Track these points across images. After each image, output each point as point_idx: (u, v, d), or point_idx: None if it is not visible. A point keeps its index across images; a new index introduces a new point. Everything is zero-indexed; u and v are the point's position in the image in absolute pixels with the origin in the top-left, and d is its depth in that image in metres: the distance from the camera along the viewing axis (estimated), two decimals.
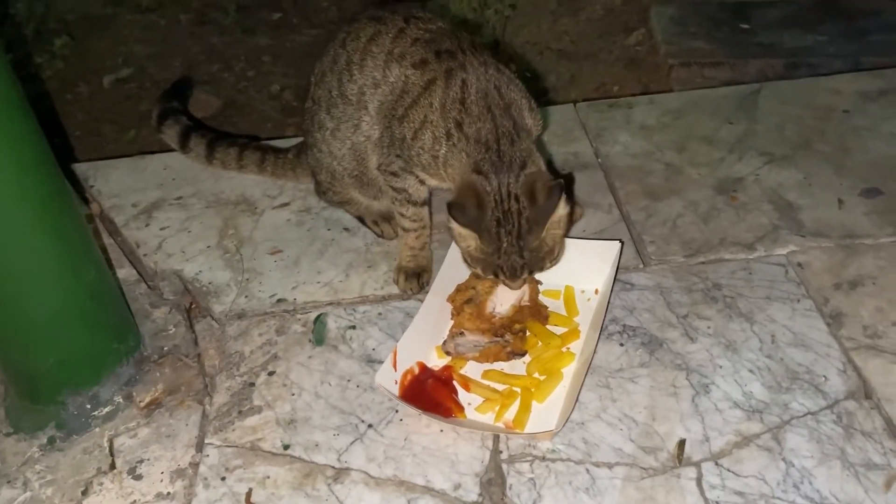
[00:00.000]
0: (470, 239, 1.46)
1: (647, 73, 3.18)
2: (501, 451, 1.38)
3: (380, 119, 1.61)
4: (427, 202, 1.69)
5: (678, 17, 3.27)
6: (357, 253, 1.82)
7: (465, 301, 1.56)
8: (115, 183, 2.10)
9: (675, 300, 1.62)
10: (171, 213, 1.98)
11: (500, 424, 1.42)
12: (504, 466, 1.36)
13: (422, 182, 1.60)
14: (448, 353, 1.52)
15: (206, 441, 1.44)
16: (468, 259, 1.50)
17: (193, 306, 1.74)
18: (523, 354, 1.51)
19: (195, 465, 1.41)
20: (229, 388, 1.54)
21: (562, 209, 1.44)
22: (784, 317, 1.56)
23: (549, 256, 1.47)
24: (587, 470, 1.34)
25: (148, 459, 1.43)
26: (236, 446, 1.43)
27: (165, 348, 1.62)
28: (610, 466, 1.34)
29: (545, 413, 1.43)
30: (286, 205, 1.98)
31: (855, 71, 2.38)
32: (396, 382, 1.46)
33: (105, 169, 2.16)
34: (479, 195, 1.42)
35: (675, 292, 1.64)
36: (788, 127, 2.08)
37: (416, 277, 1.69)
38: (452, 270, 1.61)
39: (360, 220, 1.88)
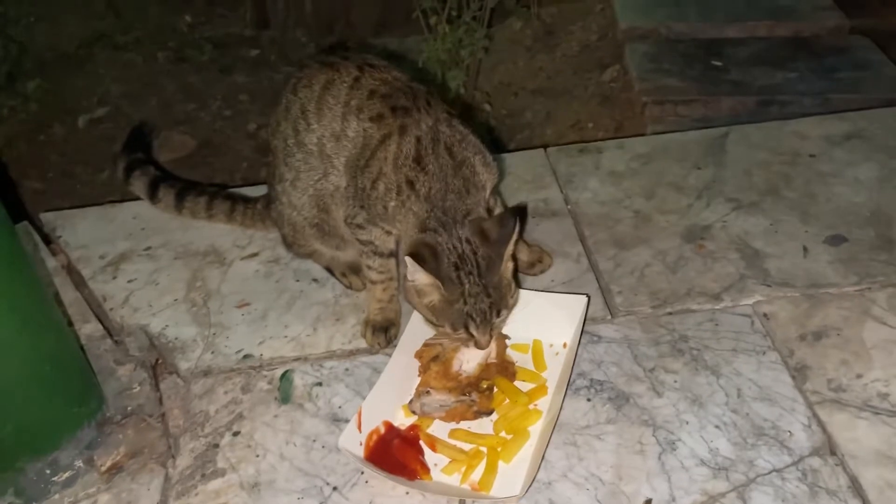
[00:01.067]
0: (434, 292, 1.47)
1: (622, 111, 3.21)
2: None
3: (347, 171, 1.61)
4: (394, 254, 1.69)
5: (652, 53, 3.31)
6: (325, 305, 1.81)
7: (432, 358, 1.55)
8: (82, 233, 2.08)
9: (643, 353, 1.62)
10: (139, 264, 1.97)
11: (466, 486, 1.41)
12: None
13: (388, 233, 1.60)
14: (414, 413, 1.51)
15: None
16: (434, 318, 1.50)
17: (159, 362, 1.72)
18: (490, 413, 1.51)
19: None
20: (193, 449, 1.52)
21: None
22: (750, 370, 1.56)
23: (508, 290, 1.50)
24: None
25: None
26: None
27: (129, 408, 1.60)
28: None
29: (512, 473, 1.41)
30: (255, 255, 1.97)
31: (821, 114, 2.40)
32: (361, 444, 1.45)
33: (73, 218, 2.15)
34: (431, 248, 1.45)
35: (643, 345, 1.64)
36: (755, 172, 2.10)
37: (384, 331, 1.68)
38: (420, 325, 1.60)
39: (329, 270, 1.87)
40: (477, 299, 1.45)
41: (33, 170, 3.03)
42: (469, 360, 1.54)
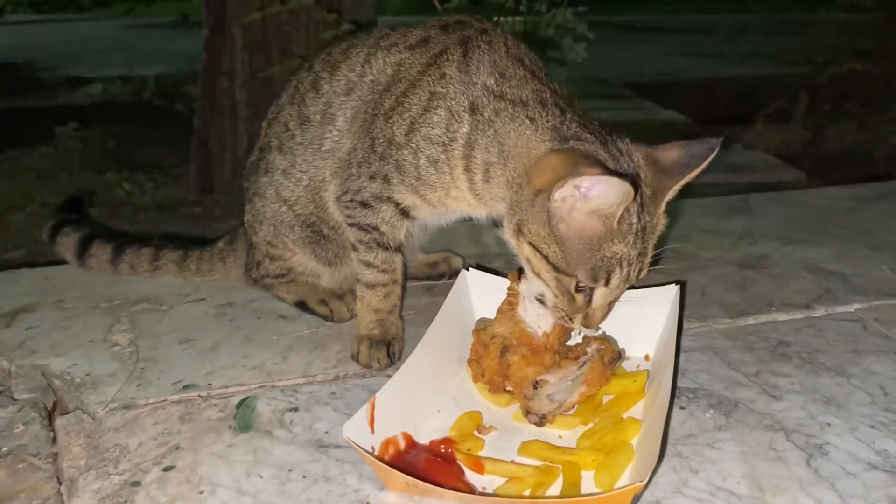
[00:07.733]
0: (594, 222, 1.01)
1: None
2: None
3: (353, 128, 1.26)
4: (401, 249, 1.29)
5: None
6: (298, 337, 1.35)
7: (501, 353, 1.10)
8: None
9: (736, 359, 1.22)
10: (45, 313, 1.48)
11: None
12: None
13: (403, 212, 1.22)
14: (542, 416, 1.05)
15: None
16: (566, 260, 1.03)
17: (56, 407, 1.20)
18: (620, 357, 1.14)
19: None
20: (99, 490, 0.98)
21: None
22: (887, 368, 1.17)
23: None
24: None
25: None
26: None
27: (4, 449, 1.06)
28: None
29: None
30: (202, 300, 1.52)
31: None
32: (373, 449, 0.95)
33: None
34: (597, 161, 1.02)
35: (733, 352, 1.24)
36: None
37: (385, 346, 1.23)
38: (448, 329, 1.16)
39: (302, 305, 1.43)
40: (635, 242, 1.04)
41: None
42: (541, 322, 1.12)
